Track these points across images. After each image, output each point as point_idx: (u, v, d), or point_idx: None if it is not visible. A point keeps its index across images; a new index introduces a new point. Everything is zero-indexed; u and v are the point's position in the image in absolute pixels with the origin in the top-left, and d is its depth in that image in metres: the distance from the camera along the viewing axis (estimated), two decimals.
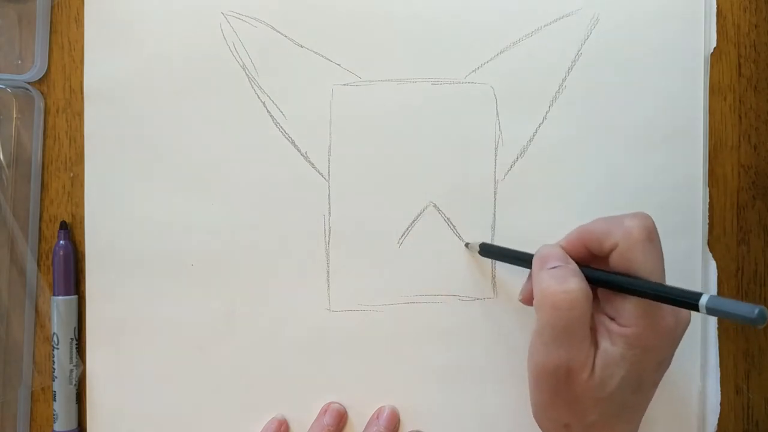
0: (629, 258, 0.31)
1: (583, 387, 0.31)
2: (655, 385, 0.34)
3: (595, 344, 0.32)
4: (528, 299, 0.36)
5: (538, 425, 0.34)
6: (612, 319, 0.32)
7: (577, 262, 0.33)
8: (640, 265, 0.31)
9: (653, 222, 0.32)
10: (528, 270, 0.35)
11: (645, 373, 0.32)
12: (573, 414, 0.32)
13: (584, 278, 0.32)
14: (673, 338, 0.32)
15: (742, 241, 0.41)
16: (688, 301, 0.29)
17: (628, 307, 0.31)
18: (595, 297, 0.33)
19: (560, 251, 0.34)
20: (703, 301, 0.28)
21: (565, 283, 0.31)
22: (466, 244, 0.40)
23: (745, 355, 0.41)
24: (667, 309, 0.31)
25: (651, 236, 0.32)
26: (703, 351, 0.40)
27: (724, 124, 0.41)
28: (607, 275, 0.32)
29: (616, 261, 0.32)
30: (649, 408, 0.37)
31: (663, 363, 0.33)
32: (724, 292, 0.40)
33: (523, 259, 0.36)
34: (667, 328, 0.32)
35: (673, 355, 0.34)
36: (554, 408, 0.33)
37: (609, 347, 0.32)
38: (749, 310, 0.27)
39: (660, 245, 0.32)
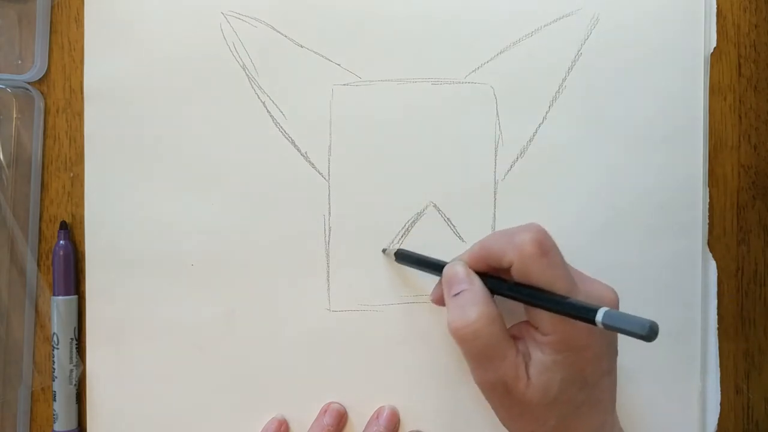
0: (526, 274, 0.32)
1: (526, 396, 0.32)
2: (605, 375, 0.34)
3: (527, 353, 0.33)
4: (438, 301, 0.36)
5: None
6: (535, 328, 0.33)
7: (483, 274, 0.34)
8: (539, 279, 0.32)
9: (545, 232, 0.33)
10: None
11: (585, 370, 0.32)
12: (531, 422, 0.33)
13: (487, 298, 0.33)
14: (602, 332, 0.32)
15: (742, 241, 0.41)
16: (585, 314, 0.30)
17: (543, 317, 0.32)
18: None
19: (463, 272, 0.34)
20: (599, 316, 0.29)
21: (465, 315, 0.32)
22: (383, 250, 0.40)
23: (745, 355, 0.41)
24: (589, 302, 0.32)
25: (543, 248, 0.32)
26: (703, 351, 0.40)
27: (724, 124, 0.41)
28: (513, 288, 0.33)
29: (517, 276, 0.33)
30: (649, 408, 0.37)
31: (601, 356, 0.33)
32: (724, 292, 0.40)
33: (436, 268, 0.36)
34: (589, 327, 0.32)
35: (613, 343, 0.34)
36: (512, 419, 0.34)
37: (539, 355, 0.32)
38: (641, 325, 0.28)
39: (557, 254, 0.32)
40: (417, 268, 0.38)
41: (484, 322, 0.32)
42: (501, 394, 0.33)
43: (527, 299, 0.32)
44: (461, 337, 0.32)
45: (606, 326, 0.29)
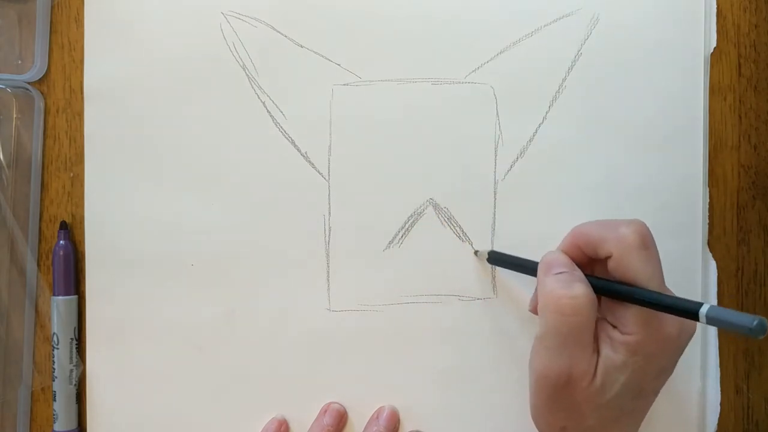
0: (625, 266, 0.31)
1: (583, 393, 0.31)
2: (656, 392, 0.34)
3: (597, 351, 0.32)
4: (537, 309, 0.35)
5: (536, 426, 0.34)
6: (614, 326, 0.32)
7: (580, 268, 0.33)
8: (637, 273, 0.31)
9: (647, 228, 0.32)
10: (535, 278, 0.35)
11: (646, 379, 0.32)
12: (570, 418, 0.32)
13: (589, 285, 0.32)
14: (677, 346, 0.32)
15: (742, 241, 0.41)
16: (688, 310, 0.29)
17: (629, 315, 0.31)
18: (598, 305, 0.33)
19: (565, 258, 0.34)
20: (704, 310, 0.28)
21: (570, 288, 0.31)
22: (475, 252, 0.40)
23: (745, 355, 0.41)
24: (670, 317, 0.31)
25: (646, 243, 0.32)
26: (703, 351, 0.40)
27: (724, 124, 0.41)
28: (607, 283, 0.32)
29: (613, 269, 0.32)
30: (650, 408, 0.37)
31: (665, 370, 0.33)
32: (724, 292, 0.40)
33: (531, 268, 0.36)
34: (670, 336, 0.32)
35: (676, 362, 0.33)
36: (552, 412, 0.33)
37: (611, 354, 0.32)
38: (749, 320, 0.27)
39: (656, 251, 0.32)
40: (511, 269, 0.38)
41: (587, 300, 0.31)
42: (559, 386, 0.32)
43: (624, 293, 0.31)
44: (560, 309, 0.31)
45: (710, 321, 0.28)
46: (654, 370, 0.32)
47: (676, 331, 0.31)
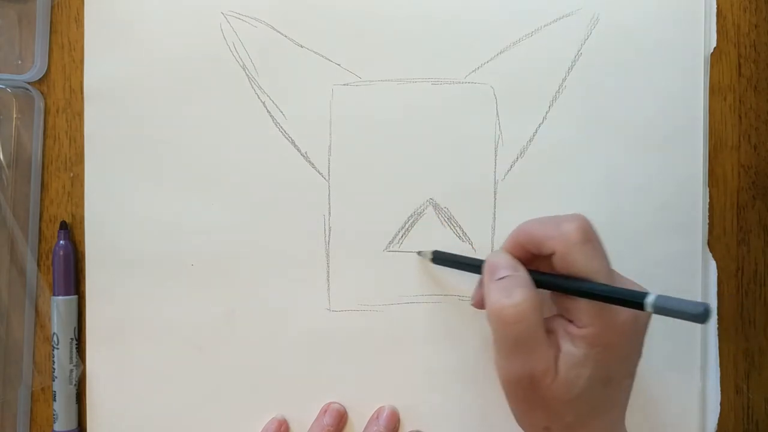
0: (570, 262, 0.32)
1: (550, 391, 0.31)
2: (628, 376, 0.34)
3: (557, 346, 0.32)
4: (479, 304, 0.36)
5: (522, 430, 0.34)
6: (569, 321, 0.32)
7: (525, 265, 0.33)
8: (582, 267, 0.31)
9: (589, 222, 0.32)
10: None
11: (612, 368, 0.32)
12: (548, 417, 0.32)
13: (532, 286, 0.32)
14: (635, 331, 0.32)
15: (742, 241, 0.41)
16: (633, 300, 0.30)
17: (582, 308, 0.32)
18: (549, 299, 0.34)
19: (508, 259, 0.34)
20: (649, 300, 0.29)
21: (511, 297, 0.31)
22: (418, 253, 0.40)
23: (745, 355, 0.41)
24: None
25: (588, 236, 0.32)
26: (703, 351, 0.40)
27: (724, 124, 0.41)
28: (554, 278, 0.32)
29: (558, 265, 0.32)
30: (650, 408, 0.37)
31: (630, 356, 0.33)
32: (724, 292, 0.40)
33: (475, 266, 0.36)
34: (626, 322, 0.32)
35: (641, 344, 0.34)
36: (529, 414, 0.33)
37: (571, 349, 0.32)
38: (695, 307, 0.28)
39: (599, 243, 0.32)
40: (456, 268, 0.38)
41: (528, 305, 0.31)
42: (525, 388, 0.32)
43: (571, 288, 0.32)
44: (503, 319, 0.31)
45: (657, 309, 0.29)
46: (617, 357, 0.32)
47: (631, 316, 0.31)
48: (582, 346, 0.31)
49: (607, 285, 0.31)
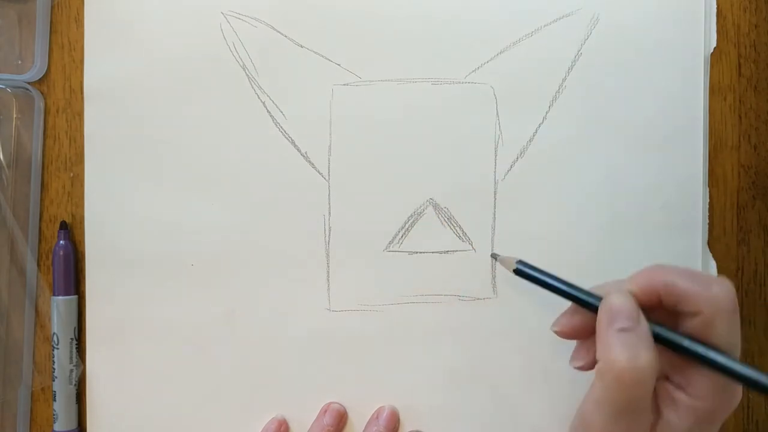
0: (713, 328, 0.29)
1: None
2: None
3: (657, 412, 0.30)
4: (567, 335, 0.33)
5: None
6: (680, 388, 0.30)
7: (647, 315, 0.30)
8: (723, 338, 0.29)
9: (734, 290, 0.30)
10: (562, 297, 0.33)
11: None
12: None
13: (654, 346, 0.29)
14: (732, 410, 0.30)
15: (742, 241, 0.41)
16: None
17: (704, 380, 0.29)
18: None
19: (632, 307, 0.30)
20: None
21: (635, 357, 0.28)
22: (494, 256, 0.38)
23: (745, 355, 0.41)
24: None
25: (736, 306, 0.29)
26: None
27: (724, 124, 0.41)
28: (686, 342, 0.29)
29: (696, 327, 0.29)
30: None
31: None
32: None
33: (570, 294, 0.33)
34: (730, 400, 0.29)
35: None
36: None
37: (674, 419, 0.29)
38: None
39: (739, 315, 0.30)
40: (542, 287, 0.34)
41: (651, 371, 0.28)
42: None
43: (705, 358, 0.29)
44: (622, 378, 0.28)
45: None
46: None
47: (742, 393, 0.30)
48: (687, 418, 0.29)
49: (745, 364, 0.28)
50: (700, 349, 0.29)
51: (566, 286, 0.33)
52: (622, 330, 0.29)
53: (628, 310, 0.30)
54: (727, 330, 0.29)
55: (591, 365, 0.32)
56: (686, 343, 0.29)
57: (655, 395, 0.30)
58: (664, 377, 0.31)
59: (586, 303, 0.32)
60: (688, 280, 0.30)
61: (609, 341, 0.29)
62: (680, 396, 0.29)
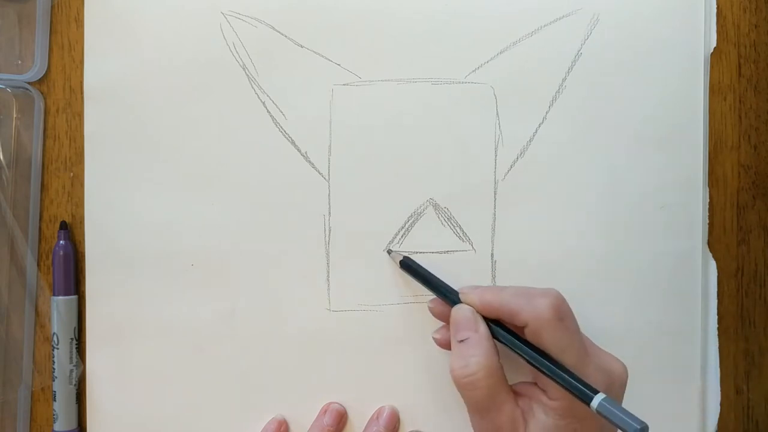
0: (539, 337, 0.32)
1: None
2: None
3: (531, 410, 0.33)
4: (443, 343, 0.37)
5: None
6: (542, 390, 0.33)
7: (495, 322, 0.34)
8: (551, 345, 0.32)
9: (563, 299, 0.33)
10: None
11: None
12: None
13: (490, 350, 0.33)
14: (612, 398, 0.32)
15: (742, 241, 0.41)
16: (581, 397, 0.31)
17: (552, 382, 0.32)
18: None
19: (470, 318, 0.34)
20: (594, 403, 0.30)
21: (466, 366, 0.33)
22: (388, 252, 0.40)
23: (745, 355, 0.41)
24: (593, 377, 0.32)
25: (560, 315, 0.32)
26: (703, 351, 0.40)
27: (724, 124, 0.41)
28: (519, 347, 0.33)
29: (529, 337, 0.33)
30: (649, 408, 0.37)
31: (605, 427, 0.33)
32: (724, 292, 0.40)
33: (441, 291, 0.37)
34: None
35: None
36: None
37: (542, 417, 0.33)
38: (632, 426, 0.28)
39: (571, 321, 0.33)
40: (419, 282, 0.38)
41: (483, 374, 0.32)
42: None
43: (534, 364, 0.33)
44: (460, 385, 0.33)
45: (599, 413, 0.30)
46: (592, 428, 0.33)
47: (603, 388, 0.32)
48: (553, 416, 0.32)
49: (565, 371, 0.32)
50: (528, 354, 0.33)
51: (437, 285, 0.37)
52: (461, 341, 0.34)
53: (467, 321, 0.34)
54: (554, 337, 0.32)
55: (442, 343, 0.37)
56: (519, 347, 0.33)
57: (529, 397, 0.34)
58: (532, 381, 0.35)
59: (449, 300, 0.37)
60: (516, 297, 0.34)
61: (453, 352, 0.34)
62: (542, 397, 0.33)
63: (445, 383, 0.40)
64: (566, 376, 0.31)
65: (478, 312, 0.35)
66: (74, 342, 0.40)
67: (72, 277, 0.40)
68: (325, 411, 0.39)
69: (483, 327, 0.34)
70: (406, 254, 0.39)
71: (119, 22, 0.40)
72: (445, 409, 0.40)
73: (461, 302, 0.36)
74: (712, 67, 0.40)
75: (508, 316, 0.34)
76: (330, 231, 0.40)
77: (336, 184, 0.40)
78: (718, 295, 0.40)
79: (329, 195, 0.40)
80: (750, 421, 0.41)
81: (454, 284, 0.38)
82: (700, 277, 0.40)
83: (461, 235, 0.40)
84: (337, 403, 0.40)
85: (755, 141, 0.41)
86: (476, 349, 0.33)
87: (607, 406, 0.30)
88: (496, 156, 0.40)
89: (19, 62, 0.41)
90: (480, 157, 0.40)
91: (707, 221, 0.40)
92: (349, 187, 0.40)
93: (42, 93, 0.41)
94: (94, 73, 0.40)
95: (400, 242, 0.40)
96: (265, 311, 0.40)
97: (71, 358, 0.40)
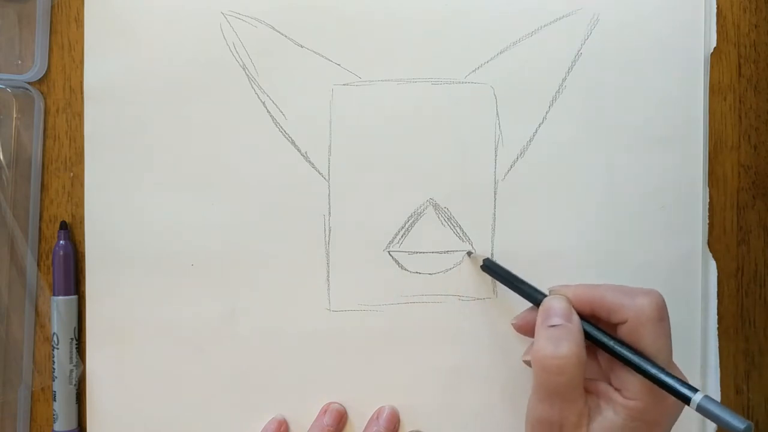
0: (639, 336, 0.32)
1: None
2: None
3: (597, 409, 0.33)
4: (521, 328, 0.37)
5: None
6: (616, 389, 0.33)
7: (584, 318, 0.34)
8: (649, 344, 0.32)
9: (663, 299, 0.33)
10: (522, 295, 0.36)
11: None
12: None
13: (582, 341, 0.32)
14: (676, 413, 0.33)
15: (742, 241, 0.41)
16: (683, 393, 0.30)
17: (634, 382, 0.32)
18: (597, 359, 0.34)
19: (565, 306, 0.34)
20: (696, 398, 0.30)
21: (557, 348, 0.32)
22: (469, 253, 0.40)
23: (745, 355, 0.41)
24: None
25: (662, 315, 0.32)
26: (703, 351, 0.40)
27: (724, 124, 0.41)
28: (614, 345, 0.33)
29: (624, 335, 0.32)
30: None
31: None
32: (724, 292, 0.40)
33: (526, 292, 0.36)
34: (672, 406, 0.32)
35: (673, 424, 0.34)
36: None
37: (611, 415, 0.32)
38: (738, 422, 0.28)
39: (668, 323, 0.33)
40: (503, 283, 0.38)
41: (573, 361, 0.31)
42: None
43: (629, 361, 0.32)
44: (546, 367, 0.32)
45: (701, 410, 0.29)
46: None
47: (679, 402, 0.32)
48: (623, 416, 0.32)
49: (664, 370, 0.31)
50: (622, 351, 0.32)
51: (522, 284, 0.37)
52: (552, 326, 0.33)
53: (561, 310, 0.33)
54: (653, 337, 0.32)
55: (523, 328, 0.37)
56: (611, 343, 0.32)
57: (598, 394, 0.33)
58: (605, 379, 0.34)
59: (537, 302, 0.35)
60: (616, 293, 0.33)
61: (539, 335, 0.33)
62: (615, 395, 0.33)
63: (445, 383, 0.40)
64: (666, 374, 0.31)
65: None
66: (74, 342, 0.40)
67: (72, 277, 0.40)
68: (325, 411, 0.39)
69: (576, 318, 0.33)
70: (487, 257, 0.39)
71: (119, 22, 0.40)
72: (445, 409, 0.40)
73: (543, 301, 0.35)
74: (712, 67, 0.40)
75: (606, 311, 0.33)
76: (330, 231, 0.40)
77: (336, 184, 0.40)
78: (718, 295, 0.40)
79: (329, 195, 0.40)
80: (750, 421, 0.41)
81: (454, 284, 0.38)
82: (700, 277, 0.40)
83: (461, 234, 0.40)
84: (337, 403, 0.40)
85: (755, 141, 0.41)
86: (569, 335, 0.32)
87: (709, 404, 0.29)
88: (496, 156, 0.40)
89: (19, 62, 0.41)
90: (480, 157, 0.40)
91: (707, 221, 0.40)
92: (349, 187, 0.40)
93: (42, 93, 0.41)
94: (94, 73, 0.40)
95: (400, 242, 0.40)
96: (265, 311, 0.40)
97: (71, 358, 0.40)
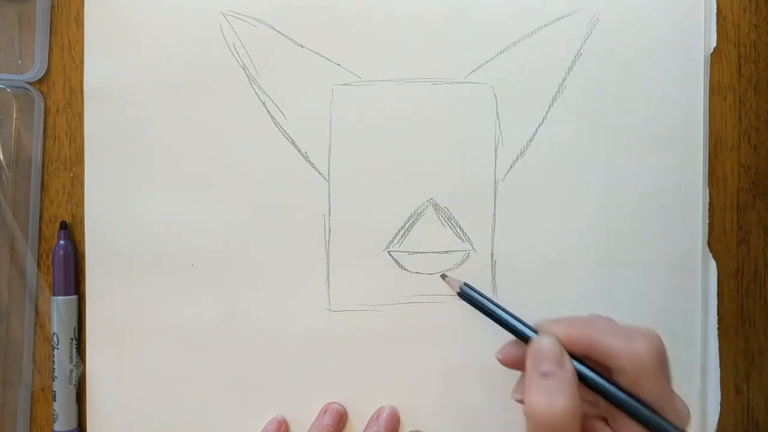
0: (639, 386, 0.30)
1: None
2: None
3: None
4: (508, 363, 0.35)
5: None
6: (612, 429, 0.31)
7: (577, 359, 0.32)
8: (649, 393, 0.30)
9: (662, 342, 0.31)
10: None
11: None
12: None
13: (576, 393, 0.30)
14: None
15: (742, 241, 0.41)
16: None
17: (633, 425, 0.30)
18: (594, 396, 0.32)
19: (556, 351, 0.31)
20: None
21: (552, 403, 0.29)
22: (443, 276, 0.39)
23: (745, 355, 0.41)
24: (674, 418, 0.30)
25: (661, 361, 0.30)
26: (703, 351, 0.40)
27: (724, 124, 0.41)
28: (612, 392, 0.31)
29: (623, 383, 0.31)
30: None
31: None
32: (724, 292, 0.40)
33: (508, 325, 0.34)
34: None
35: None
36: None
37: None
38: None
39: (668, 368, 0.31)
40: (482, 312, 0.36)
41: (568, 418, 0.29)
42: None
43: (630, 410, 0.30)
44: (541, 423, 0.30)
45: None
46: None
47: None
48: None
49: (667, 420, 0.30)
50: (621, 398, 0.30)
51: (504, 315, 0.35)
52: (544, 375, 0.30)
53: (552, 353, 0.31)
54: (653, 384, 0.30)
55: (509, 363, 0.34)
56: (610, 390, 0.31)
57: None
58: (602, 419, 0.32)
59: (522, 336, 0.33)
60: (612, 337, 0.31)
61: (531, 384, 0.30)
62: None
63: (445, 383, 0.40)
64: (669, 425, 0.29)
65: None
66: (74, 342, 0.40)
67: (72, 277, 0.40)
68: (325, 411, 0.39)
69: (569, 364, 0.31)
70: (465, 282, 0.37)
71: (119, 22, 0.40)
72: (445, 409, 0.40)
73: (532, 341, 0.32)
74: (712, 67, 0.40)
75: (601, 355, 0.31)
76: (330, 231, 0.40)
77: (336, 184, 0.40)
78: (718, 295, 0.40)
79: (329, 195, 0.40)
80: (750, 421, 0.41)
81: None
82: (700, 277, 0.40)
83: (461, 235, 0.40)
84: (337, 403, 0.40)
85: (755, 141, 0.41)
86: (563, 387, 0.30)
87: None
88: (496, 156, 0.40)
89: (19, 62, 0.41)
90: (480, 157, 0.40)
91: (707, 221, 0.40)
92: (349, 187, 0.40)
93: (42, 93, 0.41)
94: (94, 73, 0.40)
95: (400, 242, 0.40)
96: (265, 311, 0.40)
97: (71, 358, 0.40)
